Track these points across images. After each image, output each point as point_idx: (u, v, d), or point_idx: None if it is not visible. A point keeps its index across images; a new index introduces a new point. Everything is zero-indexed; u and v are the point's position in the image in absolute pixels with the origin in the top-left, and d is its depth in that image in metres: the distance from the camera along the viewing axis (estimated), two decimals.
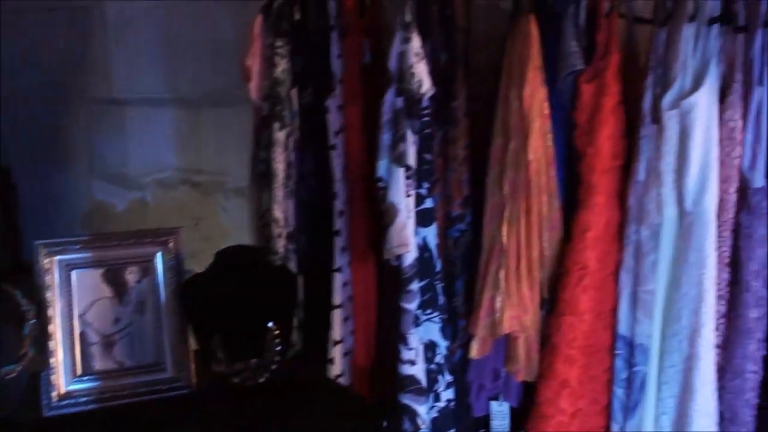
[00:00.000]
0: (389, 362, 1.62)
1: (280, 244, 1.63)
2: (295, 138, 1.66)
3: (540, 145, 1.48)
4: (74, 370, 1.39)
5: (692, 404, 1.50)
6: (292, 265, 1.68)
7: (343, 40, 1.62)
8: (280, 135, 1.62)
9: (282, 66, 1.61)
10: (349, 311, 1.67)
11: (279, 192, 1.63)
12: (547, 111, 1.49)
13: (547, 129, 1.49)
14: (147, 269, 1.46)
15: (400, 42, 1.49)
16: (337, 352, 1.68)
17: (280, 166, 1.62)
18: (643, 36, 1.62)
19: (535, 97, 1.47)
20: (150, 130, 2.27)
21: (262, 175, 1.66)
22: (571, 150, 1.54)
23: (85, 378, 1.40)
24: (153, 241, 1.48)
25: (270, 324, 1.38)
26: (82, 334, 1.40)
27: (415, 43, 1.48)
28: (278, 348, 1.39)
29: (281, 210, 1.64)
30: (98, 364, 1.41)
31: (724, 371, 1.52)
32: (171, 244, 1.48)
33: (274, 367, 1.39)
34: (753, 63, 1.47)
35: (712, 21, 1.47)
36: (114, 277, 1.44)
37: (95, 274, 1.43)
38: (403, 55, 1.48)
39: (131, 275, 1.45)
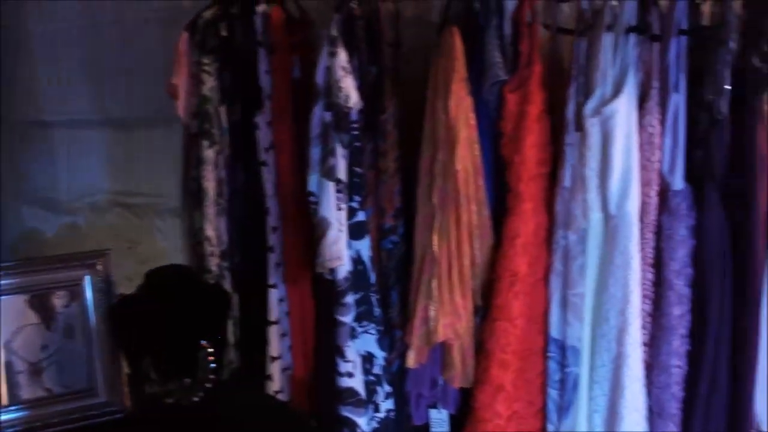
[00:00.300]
0: (328, 376, 1.63)
1: (213, 263, 1.62)
2: (226, 155, 1.66)
3: (467, 155, 1.50)
4: None
5: (622, 401, 1.55)
6: (227, 283, 1.67)
7: (271, 56, 1.63)
8: (209, 152, 1.61)
9: (210, 83, 1.61)
10: (285, 327, 1.67)
11: (210, 210, 1.62)
12: (473, 121, 1.52)
13: (474, 139, 1.52)
14: (75, 293, 1.44)
15: (326, 56, 1.51)
16: (275, 369, 1.67)
17: (210, 184, 1.61)
18: (567, 46, 1.67)
19: (460, 108, 1.49)
20: (80, 152, 2.23)
21: (193, 194, 1.65)
22: (498, 159, 1.57)
23: (12, 408, 1.36)
24: (81, 264, 1.45)
25: (203, 342, 1.37)
26: (8, 363, 1.37)
27: (342, 57, 1.49)
28: (212, 366, 1.37)
29: (213, 228, 1.63)
30: (26, 392, 1.38)
31: (651, 367, 1.56)
32: (100, 267, 1.45)
33: (208, 385, 1.38)
34: (669, 70, 1.52)
35: (629, 30, 1.52)
36: (41, 303, 1.41)
37: (20, 300, 1.40)
38: (329, 70, 1.50)
39: (59, 300, 1.42)
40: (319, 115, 1.51)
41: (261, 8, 1.60)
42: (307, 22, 1.76)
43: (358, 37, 1.58)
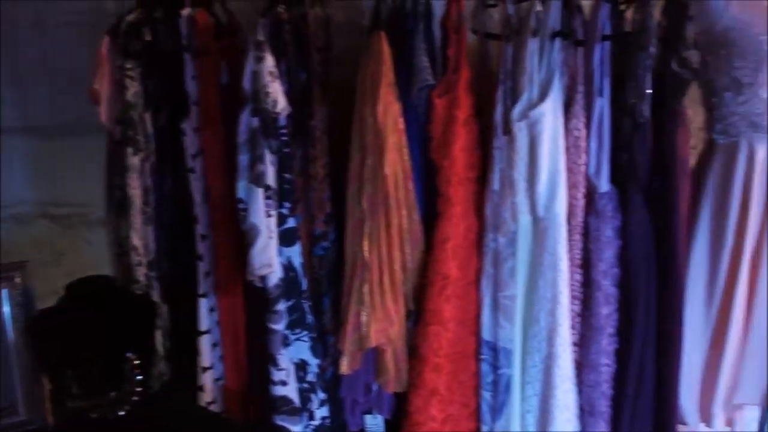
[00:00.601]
0: (261, 385, 1.61)
1: (141, 273, 1.58)
2: (152, 162, 1.62)
3: (396, 160, 1.50)
4: None
5: (553, 400, 1.57)
6: (155, 294, 1.63)
7: (197, 61, 1.60)
8: (134, 160, 1.57)
9: (133, 89, 1.57)
10: (217, 337, 1.64)
11: (136, 219, 1.58)
12: (401, 126, 1.52)
13: (403, 144, 1.52)
14: None
15: (253, 61, 1.49)
16: (207, 379, 1.64)
17: (136, 192, 1.58)
18: (495, 51, 1.69)
19: (389, 112, 1.49)
20: (2, 161, 2.14)
21: (118, 203, 1.61)
22: (428, 163, 1.58)
23: None
24: None
25: (128, 354, 1.33)
26: None
27: (269, 62, 1.48)
28: (139, 378, 1.34)
29: (140, 237, 1.59)
30: None
31: (581, 367, 1.59)
32: (18, 280, 1.41)
33: (135, 398, 1.34)
34: (593, 75, 1.55)
35: (554, 35, 1.54)
36: None
37: None
38: (256, 75, 1.48)
39: None
40: (246, 120, 1.49)
41: (186, 12, 1.57)
42: (235, 26, 1.74)
43: (285, 41, 1.57)
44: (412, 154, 1.54)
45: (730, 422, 1.82)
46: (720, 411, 1.73)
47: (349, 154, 1.58)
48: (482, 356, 1.62)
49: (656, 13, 1.57)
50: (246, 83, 1.49)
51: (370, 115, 1.50)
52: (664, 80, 1.56)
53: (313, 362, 1.61)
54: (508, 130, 1.54)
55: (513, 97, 1.56)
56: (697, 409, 1.76)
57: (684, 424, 1.78)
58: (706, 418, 1.75)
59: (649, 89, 1.53)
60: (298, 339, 1.58)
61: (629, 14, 1.60)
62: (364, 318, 1.54)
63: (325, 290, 1.64)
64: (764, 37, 1.58)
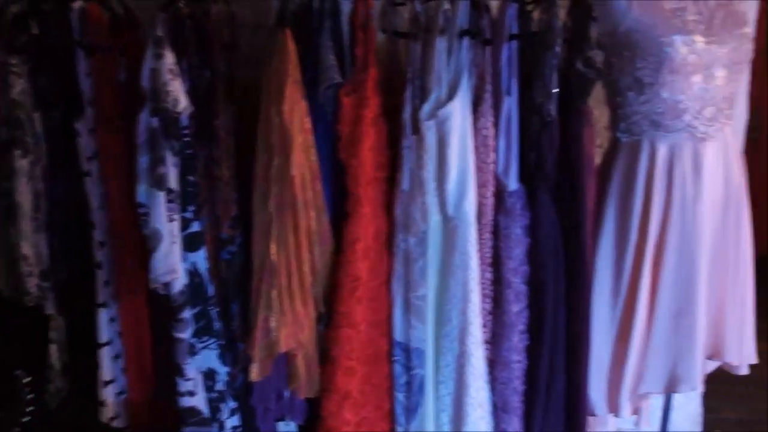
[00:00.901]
0: (168, 396, 1.54)
1: (32, 283, 1.49)
2: (43, 165, 1.52)
3: (303, 160, 1.47)
4: None
5: (467, 398, 1.58)
6: (50, 305, 1.54)
7: (91, 58, 1.51)
8: (22, 163, 1.48)
9: (19, 86, 1.48)
10: (118, 348, 1.56)
11: (26, 226, 1.49)
12: (308, 125, 1.49)
13: (310, 143, 1.49)
14: None
15: (151, 58, 1.42)
16: (108, 393, 1.56)
17: (25, 197, 1.48)
18: (404, 50, 1.67)
19: (295, 112, 1.46)
20: None
21: (6, 209, 1.50)
22: (337, 163, 1.55)
23: None
24: None
25: (17, 373, 1.25)
26: None
27: (169, 59, 1.41)
28: (30, 397, 1.26)
29: (30, 246, 1.50)
30: None
31: (493, 364, 1.60)
32: None
33: (26, 419, 1.26)
34: (501, 74, 1.56)
35: (462, 34, 1.54)
36: None
37: None
38: (155, 72, 1.41)
39: None
40: (145, 120, 1.42)
41: (77, 4, 1.48)
42: (134, 21, 1.66)
43: (186, 38, 1.50)
44: (320, 154, 1.51)
45: (636, 411, 1.87)
46: (627, 401, 1.78)
47: (256, 154, 1.53)
48: (395, 357, 1.60)
49: (562, 13, 1.59)
50: (145, 81, 1.43)
51: (275, 114, 1.46)
52: (570, 80, 1.59)
53: (222, 370, 1.56)
54: (416, 130, 1.53)
55: (422, 96, 1.55)
56: (605, 401, 1.80)
57: (594, 415, 1.82)
58: (615, 408, 1.80)
59: (555, 89, 1.55)
60: (205, 347, 1.53)
61: (536, 14, 1.62)
62: (273, 323, 1.50)
63: (233, 296, 1.59)
64: (664, 39, 1.62)
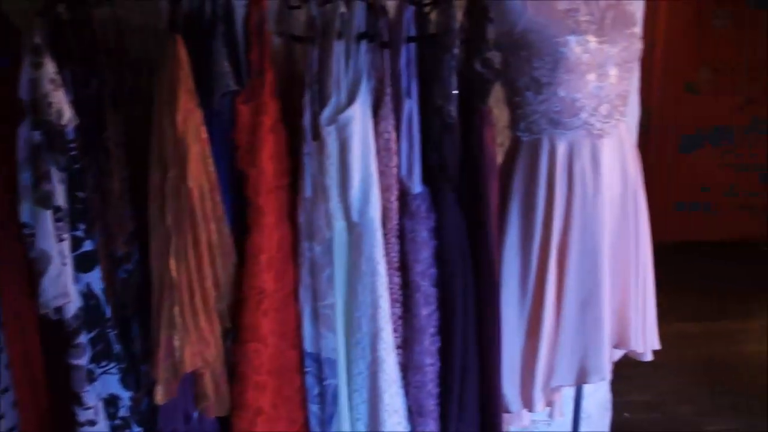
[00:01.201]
0: (67, 428, 1.46)
1: None
2: None
3: (201, 171, 1.41)
4: None
5: (382, 405, 1.56)
6: None
7: None
8: None
9: None
10: (7, 381, 1.46)
11: None
12: (205, 135, 1.43)
13: (207, 153, 1.43)
14: None
15: (30, 68, 1.33)
16: None
17: None
18: (302, 54, 1.64)
19: (189, 121, 1.40)
20: None
21: None
22: (236, 173, 1.50)
23: None
24: None
25: None
26: None
27: (49, 68, 1.33)
28: None
29: None
30: None
31: (406, 369, 1.59)
32: None
33: None
34: (400, 77, 1.55)
35: (359, 38, 1.52)
36: None
37: None
38: (35, 83, 1.33)
39: None
40: (25, 135, 1.33)
41: None
42: (11, 28, 1.55)
43: (68, 45, 1.42)
44: (218, 164, 1.46)
45: (549, 404, 1.91)
46: (540, 395, 1.81)
47: (149, 166, 1.46)
48: (306, 369, 1.57)
49: (459, 15, 1.60)
50: (23, 93, 1.34)
51: (169, 124, 1.40)
52: (469, 81, 1.60)
53: (125, 395, 1.48)
54: (317, 136, 1.50)
55: (321, 101, 1.52)
56: (519, 396, 1.82)
57: (508, 412, 1.84)
58: (528, 403, 1.82)
59: (455, 90, 1.56)
60: (105, 372, 1.45)
61: (433, 16, 1.62)
62: (177, 342, 1.44)
63: (133, 316, 1.52)
64: (559, 39, 1.65)
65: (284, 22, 1.65)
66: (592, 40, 1.67)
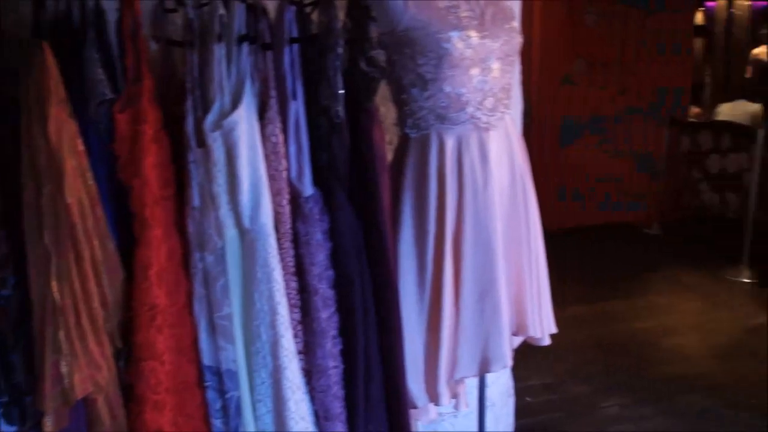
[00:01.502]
0: None
1: None
2: None
3: (79, 186, 1.34)
4: None
5: (287, 413, 1.53)
6: None
7: None
8: None
9: None
10: None
11: None
12: (81, 147, 1.35)
13: (85, 166, 1.36)
14: None
15: None
16: None
17: None
18: (181, 59, 1.59)
19: (63, 133, 1.32)
20: None
21: None
22: (119, 185, 1.43)
23: None
24: None
25: None
26: None
27: None
28: None
29: None
30: None
31: (310, 374, 1.57)
32: None
33: None
34: (285, 79, 1.53)
35: (240, 40, 1.49)
36: None
37: None
38: None
39: None
40: None
41: None
42: None
43: None
44: (97, 176, 1.38)
45: (455, 396, 1.94)
46: (445, 388, 1.83)
47: (21, 182, 1.37)
48: (206, 383, 1.52)
49: (341, 14, 1.59)
50: None
51: (40, 137, 1.32)
52: (355, 80, 1.59)
53: (9, 431, 1.38)
54: (202, 142, 1.46)
55: (204, 106, 1.47)
56: (424, 391, 1.84)
57: (415, 407, 1.85)
58: (434, 397, 1.84)
59: (341, 89, 1.55)
60: None
61: (315, 16, 1.60)
62: (64, 368, 1.35)
63: (13, 344, 1.42)
64: (441, 36, 1.68)
65: (160, 26, 1.59)
66: (473, 36, 1.71)
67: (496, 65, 1.75)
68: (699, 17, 7.23)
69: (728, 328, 4.09)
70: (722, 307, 4.38)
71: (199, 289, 1.48)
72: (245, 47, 1.49)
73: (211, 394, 1.52)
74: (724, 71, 7.34)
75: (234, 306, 1.49)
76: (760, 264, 4.72)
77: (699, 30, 7.14)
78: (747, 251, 4.89)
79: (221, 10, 1.47)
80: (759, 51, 6.91)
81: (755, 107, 5.76)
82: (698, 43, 7.18)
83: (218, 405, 1.53)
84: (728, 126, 5.60)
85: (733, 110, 5.86)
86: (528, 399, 3.22)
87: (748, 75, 6.97)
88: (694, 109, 6.54)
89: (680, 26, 5.78)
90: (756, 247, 4.80)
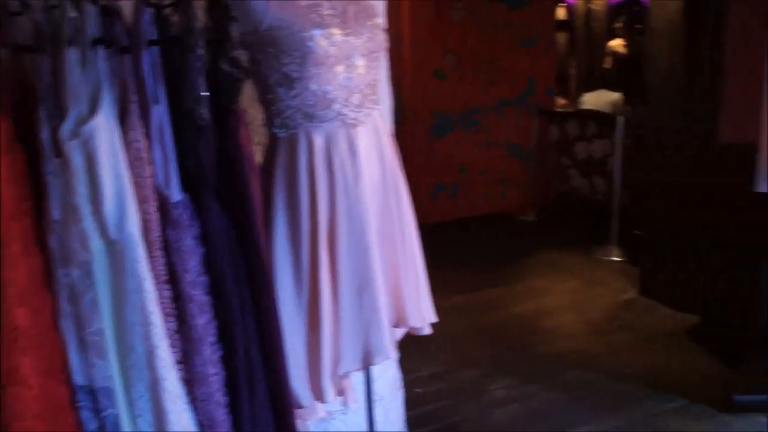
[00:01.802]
0: None
1: None
2: None
3: None
4: None
5: (169, 426, 1.48)
6: None
7: None
8: None
9: None
10: None
11: None
12: None
13: None
14: None
15: None
16: None
17: None
18: (32, 65, 1.51)
19: None
20: None
21: None
22: None
23: None
24: None
25: None
26: None
27: None
28: None
29: None
30: None
31: (190, 383, 1.53)
32: None
33: None
34: (145, 82, 1.49)
35: (94, 43, 1.43)
36: None
37: None
38: None
39: None
40: None
41: None
42: None
43: None
44: None
45: (341, 392, 1.95)
46: (329, 385, 1.84)
47: None
48: (80, 403, 1.45)
49: (201, 15, 1.57)
50: None
51: None
52: (218, 81, 1.57)
53: None
54: (59, 153, 1.39)
55: (59, 114, 1.41)
56: (309, 390, 1.84)
57: (301, 407, 1.85)
58: (319, 395, 1.85)
59: (204, 91, 1.52)
60: None
61: (174, 18, 1.57)
62: None
63: None
64: (305, 34, 1.69)
65: (5, 31, 1.50)
66: (336, 33, 1.73)
67: (361, 62, 1.77)
68: (561, 12, 7.59)
69: (602, 304, 4.34)
70: (596, 285, 4.64)
71: (65, 306, 1.41)
72: (101, 51, 1.44)
73: (85, 415, 1.45)
74: (587, 63, 7.75)
75: (105, 320, 1.43)
76: (628, 244, 5.02)
77: (562, 24, 7.50)
78: (615, 232, 5.19)
79: (73, 13, 1.41)
80: (615, 43, 7.34)
81: (615, 96, 6.13)
82: (562, 37, 7.54)
83: (94, 425, 1.46)
84: (592, 114, 5.93)
85: (596, 99, 6.20)
86: (417, 390, 3.29)
87: (606, 66, 7.39)
88: (561, 100, 6.88)
89: (543, 20, 6.07)
90: (623, 227, 5.11)
